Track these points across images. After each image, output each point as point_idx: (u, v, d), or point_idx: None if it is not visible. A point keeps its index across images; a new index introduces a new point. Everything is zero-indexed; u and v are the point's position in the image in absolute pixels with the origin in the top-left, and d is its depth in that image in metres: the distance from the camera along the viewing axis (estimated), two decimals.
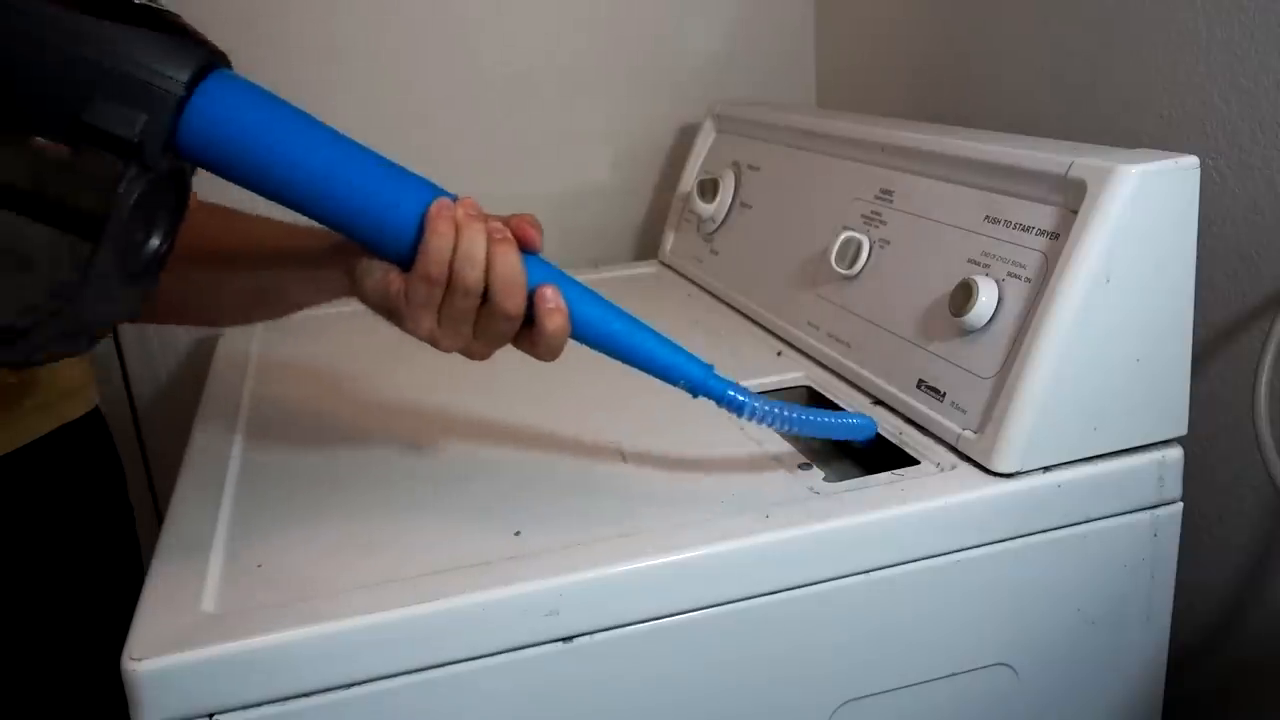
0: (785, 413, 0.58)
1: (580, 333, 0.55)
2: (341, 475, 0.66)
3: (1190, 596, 0.73)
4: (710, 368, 0.58)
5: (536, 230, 0.55)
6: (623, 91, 1.19)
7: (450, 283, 0.53)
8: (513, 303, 0.53)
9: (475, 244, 0.52)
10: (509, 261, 0.53)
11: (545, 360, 0.55)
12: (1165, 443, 0.63)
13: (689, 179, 1.10)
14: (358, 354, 0.90)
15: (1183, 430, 0.63)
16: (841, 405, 0.72)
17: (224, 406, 0.78)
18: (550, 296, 0.54)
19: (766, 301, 0.89)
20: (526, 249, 0.55)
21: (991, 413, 0.61)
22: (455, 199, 0.54)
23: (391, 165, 0.55)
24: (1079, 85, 0.81)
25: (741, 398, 0.57)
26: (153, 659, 0.47)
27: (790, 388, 0.77)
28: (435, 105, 1.13)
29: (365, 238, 0.54)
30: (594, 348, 0.56)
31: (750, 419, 0.58)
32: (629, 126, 1.20)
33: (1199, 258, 0.61)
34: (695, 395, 0.58)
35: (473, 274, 0.52)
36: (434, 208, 0.53)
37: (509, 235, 0.54)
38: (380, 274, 0.55)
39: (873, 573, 0.58)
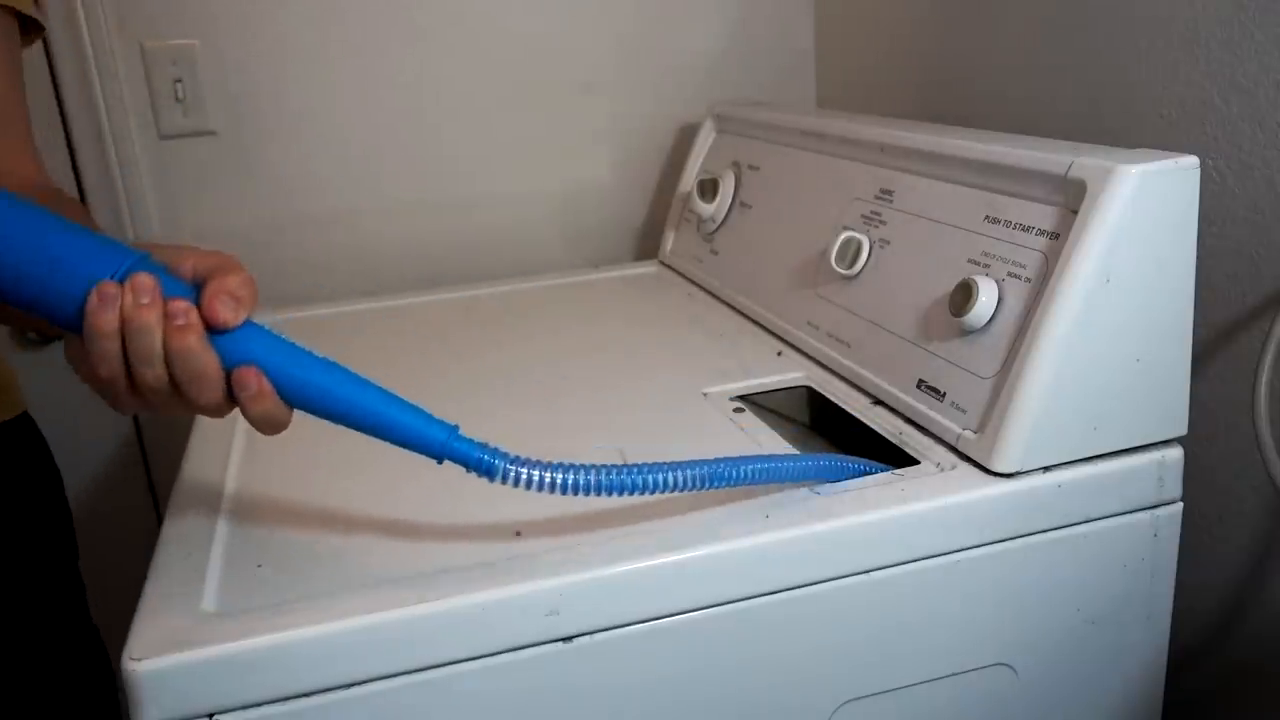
0: (562, 477, 0.51)
1: (299, 404, 0.49)
2: (341, 475, 0.66)
3: (1190, 596, 0.73)
4: (454, 429, 0.51)
5: (233, 301, 0.46)
6: (623, 91, 1.19)
7: (131, 379, 0.46)
8: (205, 396, 0.46)
9: (146, 340, 0.44)
10: (190, 355, 0.45)
11: (268, 435, 0.49)
12: (1165, 443, 0.63)
13: (689, 179, 1.10)
14: (359, 354, 0.90)
15: (1183, 430, 0.63)
16: (842, 406, 0.72)
17: None
18: (249, 382, 0.46)
19: (766, 301, 0.89)
20: (217, 329, 0.46)
21: (991, 413, 0.61)
22: (135, 264, 0.45)
23: (50, 223, 0.45)
24: (1079, 85, 0.81)
25: (494, 460, 0.50)
26: (153, 659, 0.47)
27: (790, 387, 0.77)
28: (435, 105, 1.13)
29: (34, 313, 0.45)
30: (319, 416, 0.50)
31: (513, 484, 0.51)
32: (629, 126, 1.20)
33: (1199, 258, 0.61)
34: (440, 462, 0.51)
35: (151, 372, 0.45)
36: (92, 300, 0.44)
37: (192, 320, 0.45)
38: (72, 350, 0.47)
39: (873, 573, 0.58)
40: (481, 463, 0.51)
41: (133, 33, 1.04)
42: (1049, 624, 0.63)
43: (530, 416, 0.73)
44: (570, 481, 0.51)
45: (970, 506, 0.59)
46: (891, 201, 0.76)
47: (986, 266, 0.65)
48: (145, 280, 0.45)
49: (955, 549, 0.59)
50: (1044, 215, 0.62)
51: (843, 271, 0.77)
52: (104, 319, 0.44)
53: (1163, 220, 0.59)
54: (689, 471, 0.53)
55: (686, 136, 1.20)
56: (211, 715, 0.49)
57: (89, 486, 1.14)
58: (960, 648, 0.61)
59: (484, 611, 0.51)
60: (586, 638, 0.53)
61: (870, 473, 0.61)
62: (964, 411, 0.63)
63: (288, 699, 0.50)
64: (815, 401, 0.76)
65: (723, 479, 0.55)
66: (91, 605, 0.83)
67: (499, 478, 0.51)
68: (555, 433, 0.70)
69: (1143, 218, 0.58)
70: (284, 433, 0.50)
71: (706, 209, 1.01)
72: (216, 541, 0.58)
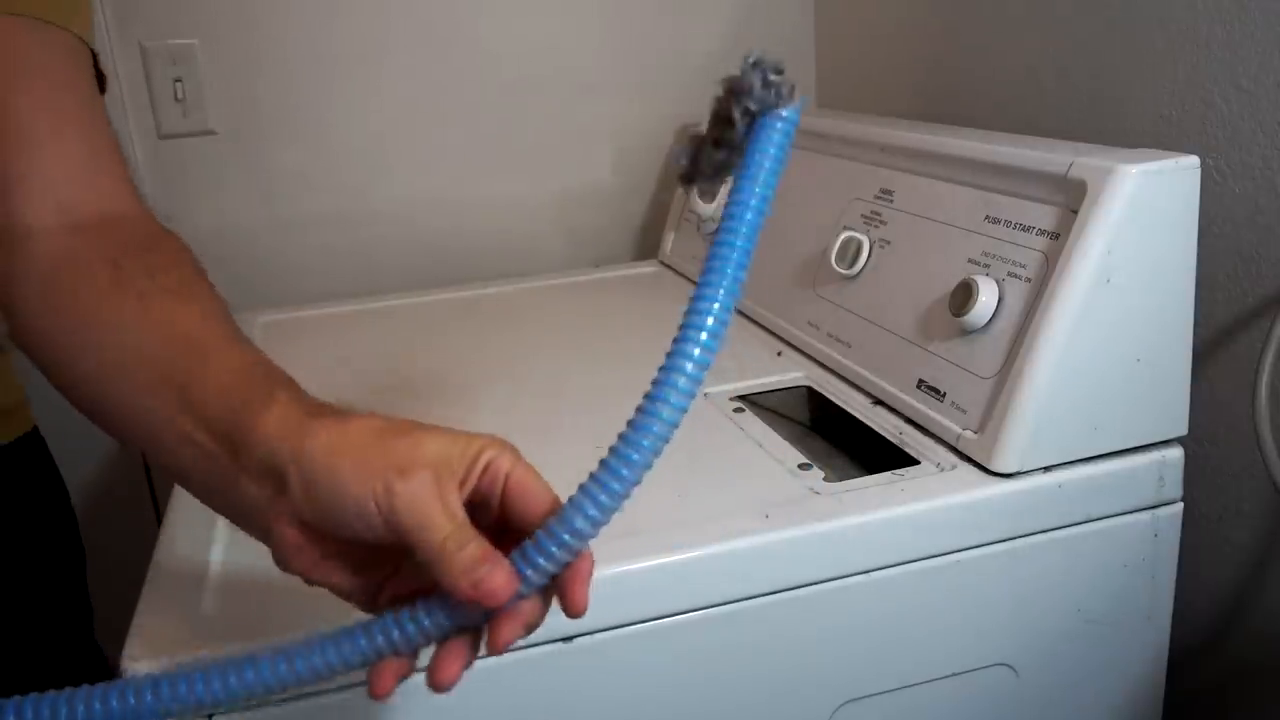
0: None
1: None
2: None
3: (1190, 596, 0.73)
4: None
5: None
6: (623, 91, 1.19)
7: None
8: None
9: None
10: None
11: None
12: (1165, 443, 0.63)
13: None
14: (358, 354, 0.90)
15: (1183, 430, 0.63)
16: (842, 406, 0.72)
17: None
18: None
19: (766, 301, 0.89)
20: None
21: (991, 413, 0.61)
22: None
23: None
24: (1079, 85, 0.81)
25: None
26: (152, 659, 0.47)
27: (790, 387, 0.77)
28: (436, 105, 1.13)
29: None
30: None
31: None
32: (629, 126, 1.20)
33: (1199, 258, 0.61)
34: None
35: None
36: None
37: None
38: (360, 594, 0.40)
39: (873, 573, 0.58)
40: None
41: (133, 33, 1.04)
42: (1049, 624, 0.63)
43: (530, 417, 0.73)
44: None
45: (970, 506, 0.59)
46: (891, 201, 0.76)
47: (986, 266, 0.65)
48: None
49: (955, 549, 0.59)
50: (1044, 215, 0.62)
51: (843, 271, 0.77)
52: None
53: (1163, 220, 0.59)
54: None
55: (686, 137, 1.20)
56: (211, 715, 0.49)
57: (90, 488, 1.14)
58: (960, 648, 0.61)
59: None
60: (586, 638, 0.53)
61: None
62: (964, 411, 0.63)
63: (288, 699, 0.50)
64: (815, 401, 0.76)
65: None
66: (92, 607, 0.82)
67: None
68: (555, 433, 0.70)
69: (1143, 218, 0.58)
70: None
71: (706, 209, 1.01)
72: (216, 542, 0.58)
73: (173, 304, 0.46)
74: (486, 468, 0.39)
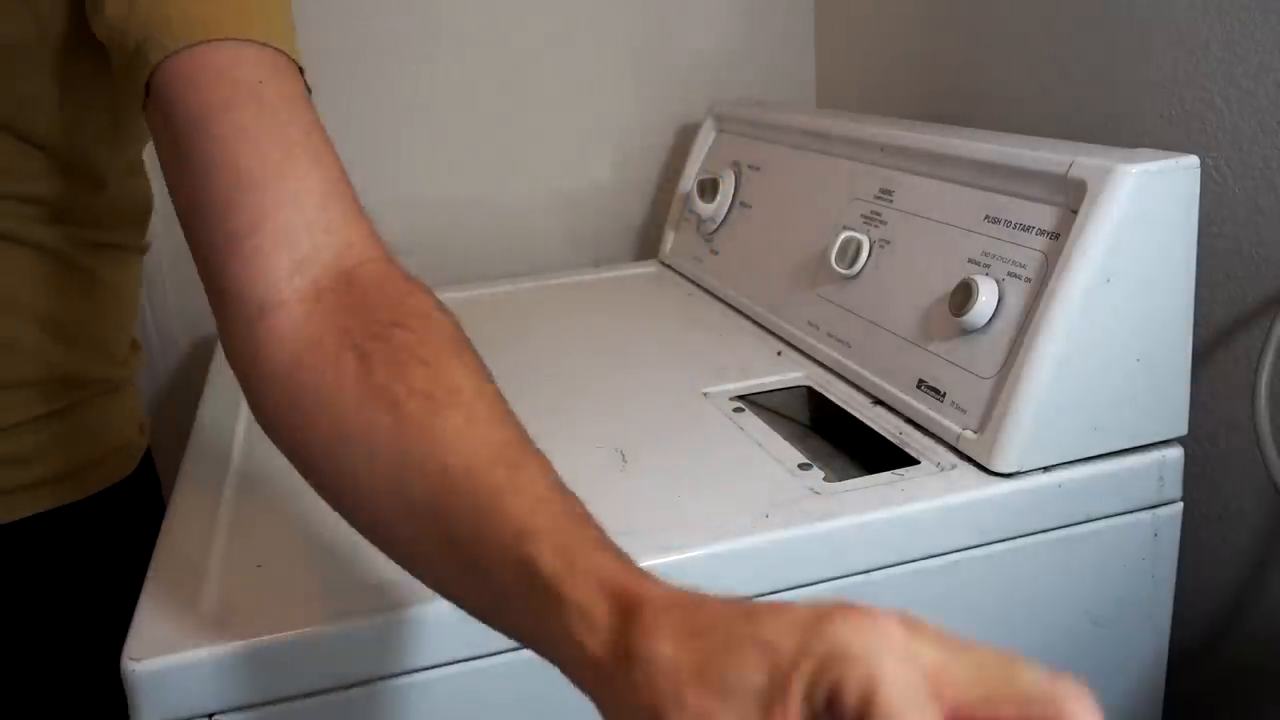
0: None
1: None
2: None
3: (1190, 596, 0.73)
4: None
5: None
6: (623, 91, 1.19)
7: None
8: None
9: None
10: None
11: None
12: (1165, 443, 0.63)
13: (689, 179, 1.10)
14: None
15: (1183, 430, 0.63)
16: (842, 406, 0.72)
17: (224, 406, 0.78)
18: None
19: (766, 301, 0.89)
20: None
21: (991, 413, 0.61)
22: None
23: None
24: (1079, 85, 0.81)
25: None
26: (152, 659, 0.47)
27: (790, 387, 0.77)
28: (436, 105, 1.13)
29: None
30: None
31: None
32: (629, 126, 1.20)
33: (1199, 258, 0.61)
34: None
35: None
36: None
37: None
38: None
39: (873, 573, 0.58)
40: None
41: None
42: (1050, 624, 0.63)
43: (530, 417, 0.73)
44: None
45: (970, 506, 0.59)
46: (891, 201, 0.76)
47: (986, 266, 0.65)
48: None
49: (955, 549, 0.59)
50: (1044, 215, 0.62)
51: (843, 271, 0.77)
52: None
53: (1163, 220, 0.59)
54: None
55: (686, 136, 1.20)
56: (211, 715, 0.49)
57: None
58: None
59: None
60: None
61: None
62: (964, 411, 0.63)
63: (288, 699, 0.50)
64: (815, 401, 0.76)
65: None
66: None
67: None
68: (555, 433, 0.70)
69: (1143, 218, 0.58)
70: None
71: (706, 209, 1.01)
72: (216, 541, 0.58)
73: (429, 419, 0.40)
74: (834, 694, 0.26)
